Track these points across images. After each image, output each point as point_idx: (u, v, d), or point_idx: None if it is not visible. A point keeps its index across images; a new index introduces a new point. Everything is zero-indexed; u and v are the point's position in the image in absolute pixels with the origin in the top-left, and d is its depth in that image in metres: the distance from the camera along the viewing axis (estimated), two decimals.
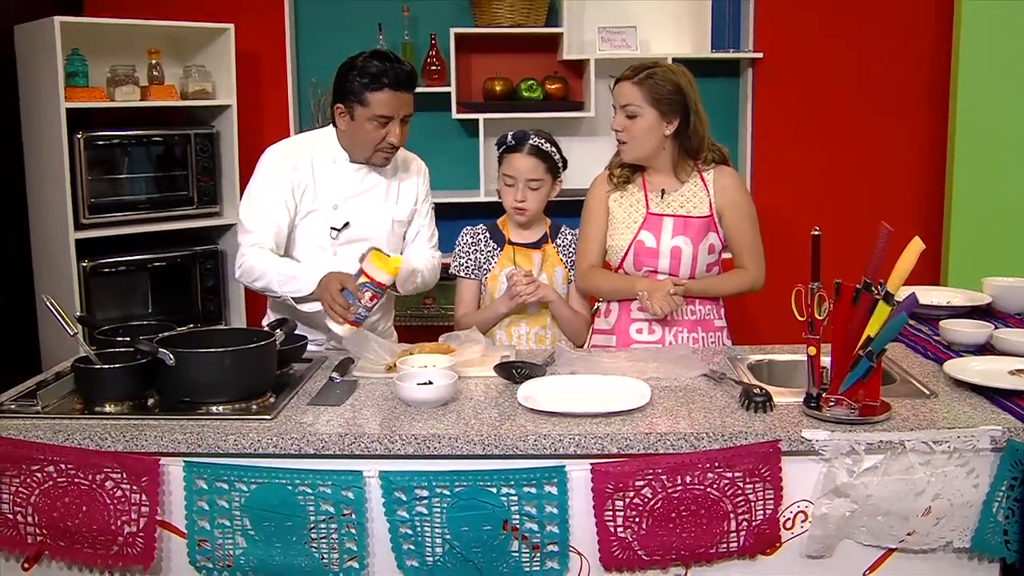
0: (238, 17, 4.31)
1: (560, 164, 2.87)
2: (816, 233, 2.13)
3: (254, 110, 4.46)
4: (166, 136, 4.15)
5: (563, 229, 2.94)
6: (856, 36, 4.61)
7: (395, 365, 2.40)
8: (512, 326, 2.87)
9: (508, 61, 4.72)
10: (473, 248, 2.91)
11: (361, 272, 2.43)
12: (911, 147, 4.71)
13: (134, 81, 4.06)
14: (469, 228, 2.95)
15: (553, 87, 4.64)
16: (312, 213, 2.75)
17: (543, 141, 2.83)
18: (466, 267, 2.90)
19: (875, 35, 4.62)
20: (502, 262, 2.87)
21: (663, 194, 2.74)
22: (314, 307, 2.59)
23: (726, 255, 2.85)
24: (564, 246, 2.91)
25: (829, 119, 4.66)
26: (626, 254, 2.75)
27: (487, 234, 2.92)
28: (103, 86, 4.01)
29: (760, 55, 4.60)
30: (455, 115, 4.55)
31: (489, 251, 2.90)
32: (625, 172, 2.79)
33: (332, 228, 2.75)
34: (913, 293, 2.01)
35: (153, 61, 4.12)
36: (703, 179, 2.72)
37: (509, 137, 2.84)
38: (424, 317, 4.37)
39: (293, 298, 2.61)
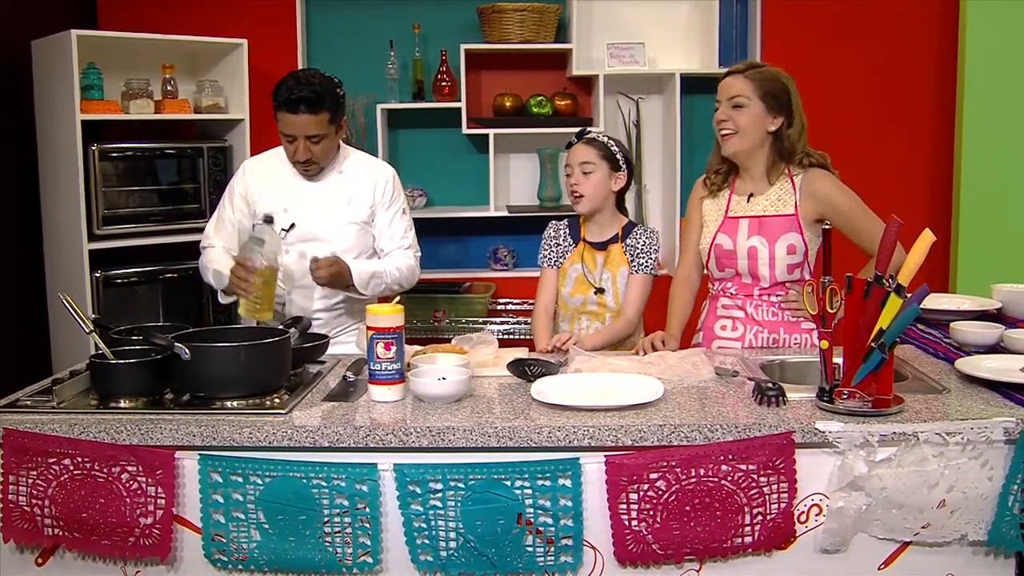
0: (251, 33, 4.36)
1: (619, 156, 2.96)
2: (827, 227, 2.15)
3: (266, 125, 4.42)
4: (179, 149, 4.19)
5: (636, 229, 3.01)
6: (862, 50, 4.64)
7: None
8: (575, 320, 3.01)
9: (518, 77, 4.77)
10: (555, 241, 3.07)
11: (367, 330, 2.23)
12: (918, 156, 4.73)
13: (148, 95, 4.11)
14: (555, 222, 3.11)
15: (562, 103, 4.68)
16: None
17: (600, 134, 3.02)
18: (548, 258, 3.06)
19: (881, 48, 4.65)
20: (573, 258, 3.02)
21: (750, 198, 2.74)
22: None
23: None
24: (632, 245, 2.97)
25: (836, 131, 4.65)
26: (708, 257, 2.80)
27: (567, 230, 3.07)
28: (118, 99, 4.06)
29: None
30: (465, 130, 4.59)
31: (566, 246, 3.05)
32: (719, 177, 2.82)
33: (282, 229, 2.88)
34: (924, 285, 2.01)
35: (167, 76, 4.17)
36: (792, 182, 2.70)
37: (573, 136, 3.01)
38: (435, 330, 4.38)
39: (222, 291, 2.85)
